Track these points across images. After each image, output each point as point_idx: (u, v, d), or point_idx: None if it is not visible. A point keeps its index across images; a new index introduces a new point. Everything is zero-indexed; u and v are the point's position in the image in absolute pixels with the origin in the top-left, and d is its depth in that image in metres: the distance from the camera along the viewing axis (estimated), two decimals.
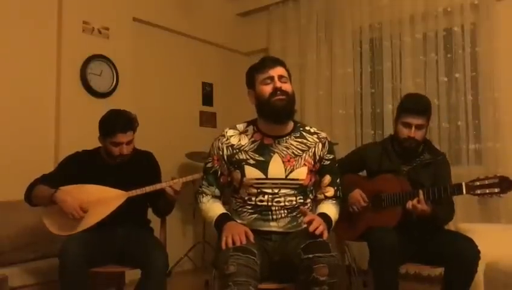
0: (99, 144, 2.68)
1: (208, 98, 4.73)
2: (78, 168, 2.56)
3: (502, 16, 3.54)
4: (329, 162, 2.10)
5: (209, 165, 2.12)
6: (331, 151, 2.11)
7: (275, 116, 2.00)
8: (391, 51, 4.01)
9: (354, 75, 4.22)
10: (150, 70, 4.18)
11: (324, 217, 1.99)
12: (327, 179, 2.11)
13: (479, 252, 2.23)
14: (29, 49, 3.36)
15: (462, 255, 2.23)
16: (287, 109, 1.99)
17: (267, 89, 1.98)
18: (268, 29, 4.79)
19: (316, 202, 2.14)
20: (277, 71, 2.00)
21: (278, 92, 1.96)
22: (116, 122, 2.49)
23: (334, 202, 2.12)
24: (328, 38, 4.39)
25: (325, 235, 1.87)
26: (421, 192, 2.31)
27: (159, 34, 4.27)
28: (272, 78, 1.98)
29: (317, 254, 1.72)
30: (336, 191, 2.13)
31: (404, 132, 2.49)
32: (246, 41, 5.00)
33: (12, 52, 3.27)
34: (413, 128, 2.46)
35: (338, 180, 2.15)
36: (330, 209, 2.07)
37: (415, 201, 2.31)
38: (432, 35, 3.81)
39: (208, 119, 4.70)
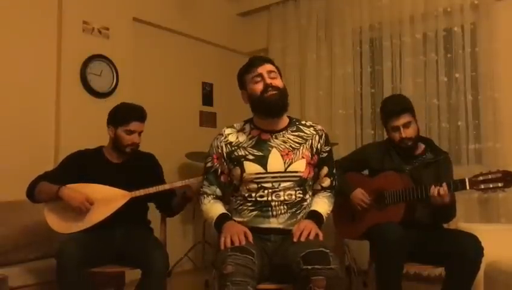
0: (99, 144, 2.69)
1: (207, 98, 4.73)
2: (80, 166, 2.56)
3: (502, 16, 3.54)
4: (326, 154, 2.12)
5: (209, 164, 2.13)
6: (327, 143, 2.13)
7: (269, 110, 2.02)
8: (391, 51, 4.01)
9: (354, 75, 4.22)
10: (150, 71, 4.18)
11: (312, 215, 2.02)
12: (325, 170, 2.13)
13: (482, 249, 2.23)
14: (29, 49, 3.36)
15: (466, 252, 2.22)
16: (281, 102, 2.01)
17: (258, 87, 2.00)
18: (268, 29, 4.79)
19: (313, 193, 2.15)
20: (265, 68, 2.02)
21: (269, 88, 1.98)
22: (133, 111, 2.57)
23: (328, 194, 2.14)
24: (328, 38, 4.39)
25: (320, 234, 1.89)
26: (445, 184, 2.30)
27: (159, 34, 4.26)
28: (260, 75, 2.01)
29: (316, 266, 1.71)
30: (331, 181, 2.15)
31: (396, 136, 2.52)
32: (246, 41, 5.00)
33: (12, 52, 3.26)
34: (401, 129, 2.49)
35: (334, 171, 2.17)
36: (322, 203, 2.10)
37: (441, 190, 2.28)
38: (432, 35, 3.81)
39: (208, 119, 4.70)
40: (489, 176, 2.24)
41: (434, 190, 2.30)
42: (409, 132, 2.49)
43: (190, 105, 4.56)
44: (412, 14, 3.88)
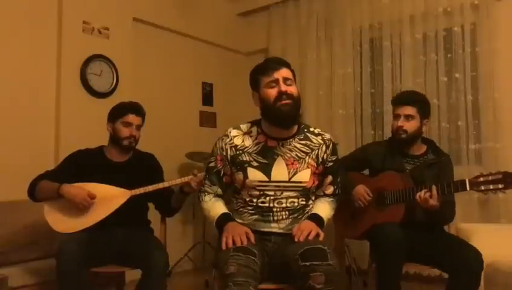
0: (99, 144, 2.69)
1: (208, 98, 4.74)
2: (81, 166, 2.57)
3: (502, 16, 3.54)
4: (332, 163, 2.10)
5: (212, 164, 2.10)
6: (334, 152, 2.11)
7: (279, 122, 1.97)
8: (391, 51, 4.01)
9: (354, 75, 4.22)
10: (150, 71, 4.18)
11: (313, 217, 2.01)
12: (329, 178, 2.12)
13: (483, 262, 2.20)
14: (29, 49, 3.36)
15: (468, 266, 2.19)
16: (292, 114, 1.95)
17: (272, 93, 1.94)
18: (268, 29, 4.79)
19: (315, 199, 2.14)
20: (282, 73, 1.96)
21: (284, 96, 1.92)
22: (129, 105, 2.65)
23: (330, 199, 2.14)
24: (328, 38, 4.39)
25: (321, 234, 1.89)
26: (434, 187, 2.29)
27: (158, 34, 4.26)
28: (276, 81, 1.94)
29: (314, 262, 1.71)
30: (335, 190, 2.15)
31: (394, 124, 2.56)
32: (246, 41, 5.00)
33: (12, 52, 3.26)
34: (401, 118, 2.51)
35: (338, 179, 2.16)
36: (324, 207, 2.09)
37: (426, 194, 2.28)
38: (432, 35, 3.82)
39: (208, 119, 4.70)
40: (490, 177, 2.22)
41: (419, 195, 2.31)
42: (407, 125, 2.50)
43: (190, 105, 4.56)
44: (412, 14, 3.88)
